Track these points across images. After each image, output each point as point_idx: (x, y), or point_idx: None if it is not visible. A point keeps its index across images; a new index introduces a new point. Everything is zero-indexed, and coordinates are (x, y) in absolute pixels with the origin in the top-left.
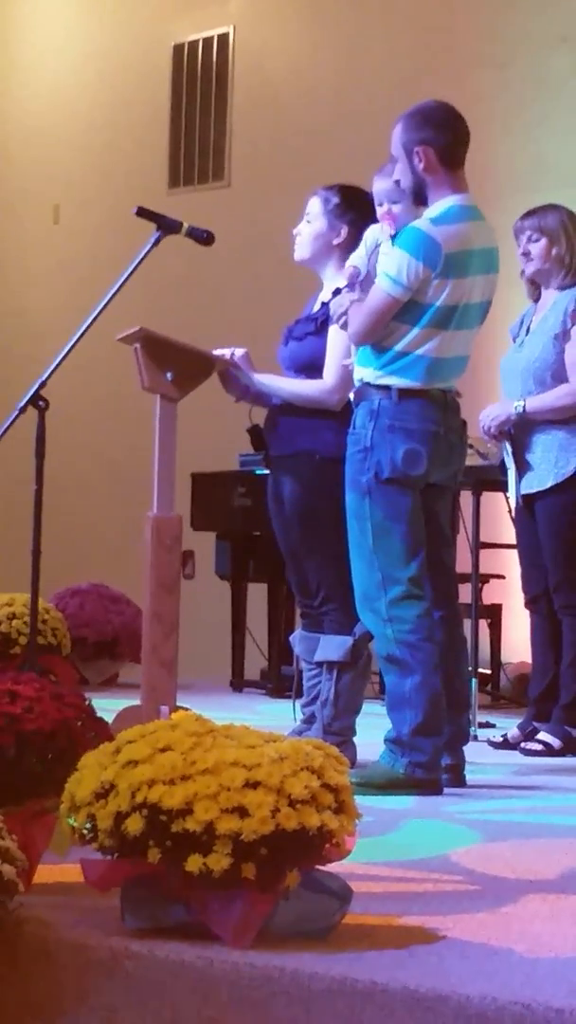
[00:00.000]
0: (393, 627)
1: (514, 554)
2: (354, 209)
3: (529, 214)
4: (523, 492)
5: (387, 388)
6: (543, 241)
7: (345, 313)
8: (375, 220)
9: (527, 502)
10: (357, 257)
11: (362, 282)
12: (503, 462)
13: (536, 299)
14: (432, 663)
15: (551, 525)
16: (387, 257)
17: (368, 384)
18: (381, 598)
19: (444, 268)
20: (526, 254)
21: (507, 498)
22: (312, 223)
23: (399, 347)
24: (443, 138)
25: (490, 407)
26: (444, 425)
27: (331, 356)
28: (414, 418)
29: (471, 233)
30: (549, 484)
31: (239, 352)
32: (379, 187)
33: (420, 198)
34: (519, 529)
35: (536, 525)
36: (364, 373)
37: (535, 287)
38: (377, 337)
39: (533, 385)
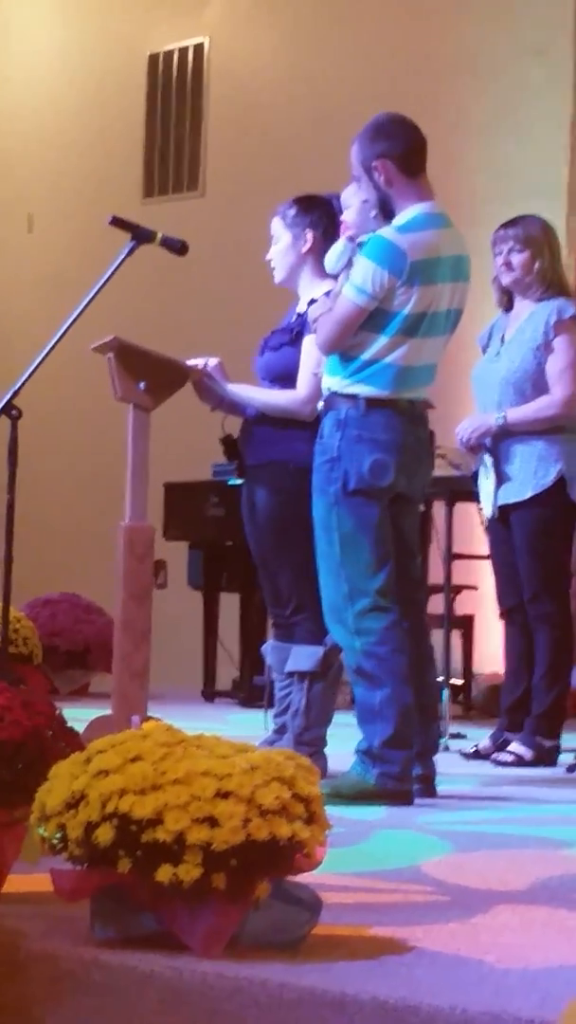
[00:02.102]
0: (361, 639)
1: (486, 565)
2: (312, 212)
3: (510, 224)
4: (500, 503)
5: (354, 397)
6: (526, 253)
7: (316, 321)
8: (336, 221)
9: (503, 513)
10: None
11: (335, 296)
12: (476, 473)
13: (507, 308)
14: (402, 675)
15: (528, 536)
16: (354, 266)
17: (336, 393)
18: (348, 610)
19: (410, 275)
20: (507, 264)
21: (479, 509)
22: (279, 242)
23: (367, 355)
24: (398, 147)
25: (468, 418)
26: (411, 436)
27: (304, 367)
28: (381, 428)
29: (438, 240)
30: (528, 495)
31: (213, 362)
32: (345, 197)
33: (387, 212)
34: (493, 540)
35: (512, 536)
36: (332, 382)
37: (506, 296)
38: (344, 346)
39: (512, 396)
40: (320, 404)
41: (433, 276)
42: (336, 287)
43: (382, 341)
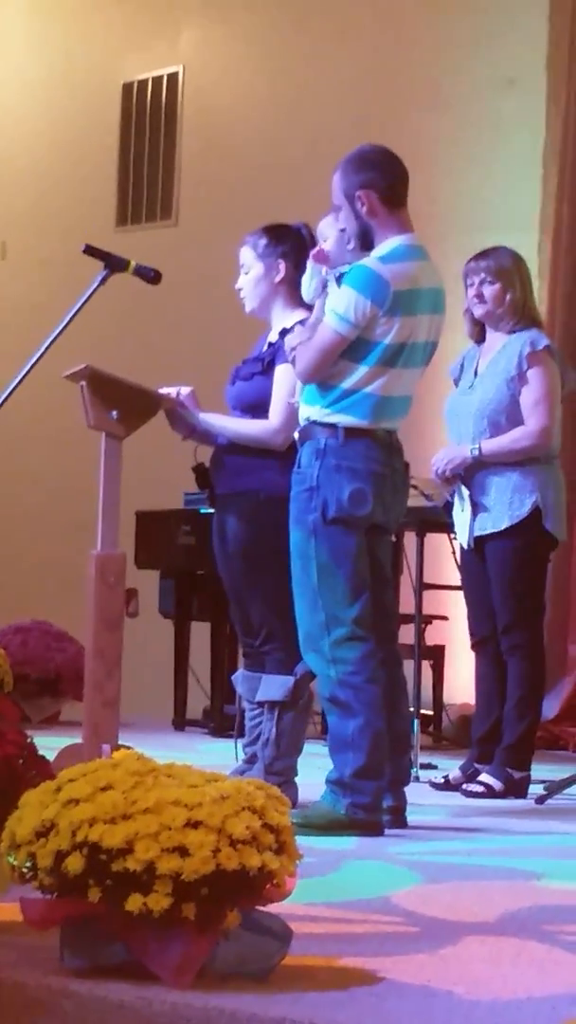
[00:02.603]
0: (336, 668)
1: (457, 595)
2: (283, 242)
3: (482, 256)
4: (476, 534)
5: (333, 427)
6: (497, 285)
7: (294, 350)
8: (306, 249)
9: (477, 544)
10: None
11: (312, 325)
12: (448, 504)
13: (479, 340)
14: (376, 705)
15: (503, 567)
16: (335, 295)
17: (314, 423)
18: (324, 638)
19: (392, 306)
20: (479, 296)
21: (451, 539)
22: (250, 271)
23: (347, 385)
24: (383, 179)
25: (443, 450)
26: (388, 466)
27: (277, 396)
28: (360, 458)
29: (418, 272)
30: (504, 526)
31: (185, 391)
32: (322, 227)
33: (366, 243)
34: (466, 571)
35: (486, 567)
36: (310, 411)
37: (479, 328)
38: (324, 375)
39: (486, 427)
40: (295, 434)
41: (413, 308)
42: (312, 316)
43: (362, 371)
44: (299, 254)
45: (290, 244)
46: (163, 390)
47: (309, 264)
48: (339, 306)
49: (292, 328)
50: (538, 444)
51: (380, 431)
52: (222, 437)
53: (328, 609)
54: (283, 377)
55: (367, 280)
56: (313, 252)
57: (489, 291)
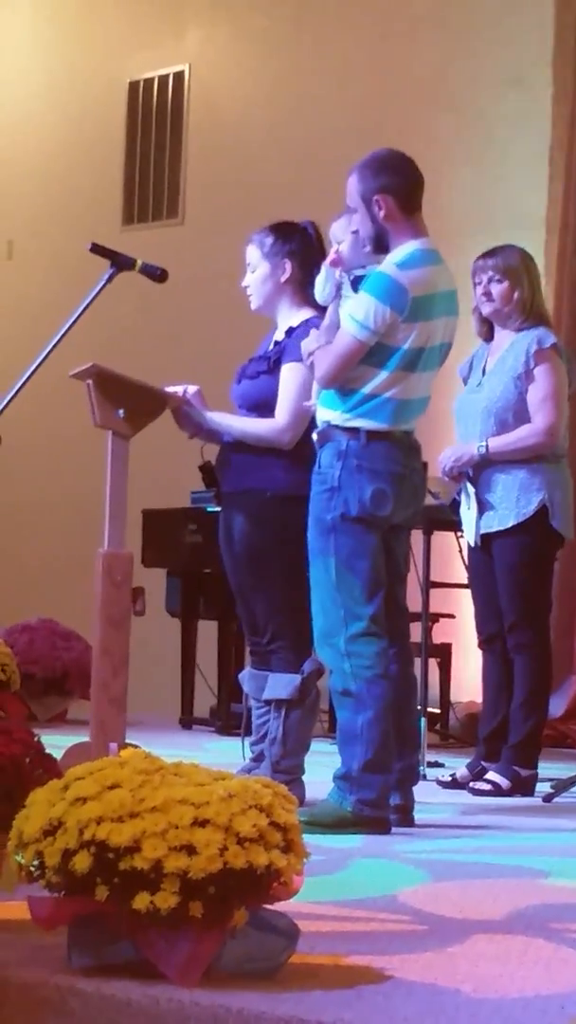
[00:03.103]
0: (351, 662)
1: (464, 593)
2: (291, 242)
3: (490, 254)
4: (483, 531)
5: (355, 430)
6: (505, 284)
7: (312, 355)
8: (313, 248)
9: (484, 542)
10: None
11: (328, 328)
12: (455, 502)
13: (488, 338)
14: (386, 700)
15: (510, 565)
16: (354, 301)
17: (335, 426)
18: (341, 634)
19: (411, 312)
20: (487, 294)
21: (458, 537)
22: (256, 270)
23: (367, 390)
24: (401, 184)
25: (450, 448)
26: (408, 467)
27: (284, 395)
28: (381, 459)
29: (434, 277)
30: (510, 524)
31: (192, 389)
32: (335, 229)
33: (381, 246)
34: (474, 569)
35: (493, 565)
36: (330, 416)
37: (488, 327)
38: (343, 380)
39: (494, 425)
40: (314, 436)
41: (430, 312)
42: (327, 319)
43: (383, 376)
44: (305, 253)
45: (296, 243)
46: (169, 389)
47: (324, 268)
48: (358, 313)
49: (299, 327)
50: (545, 442)
51: (399, 432)
52: (228, 435)
53: (346, 605)
54: (289, 376)
55: (386, 287)
56: (330, 258)
57: (497, 289)
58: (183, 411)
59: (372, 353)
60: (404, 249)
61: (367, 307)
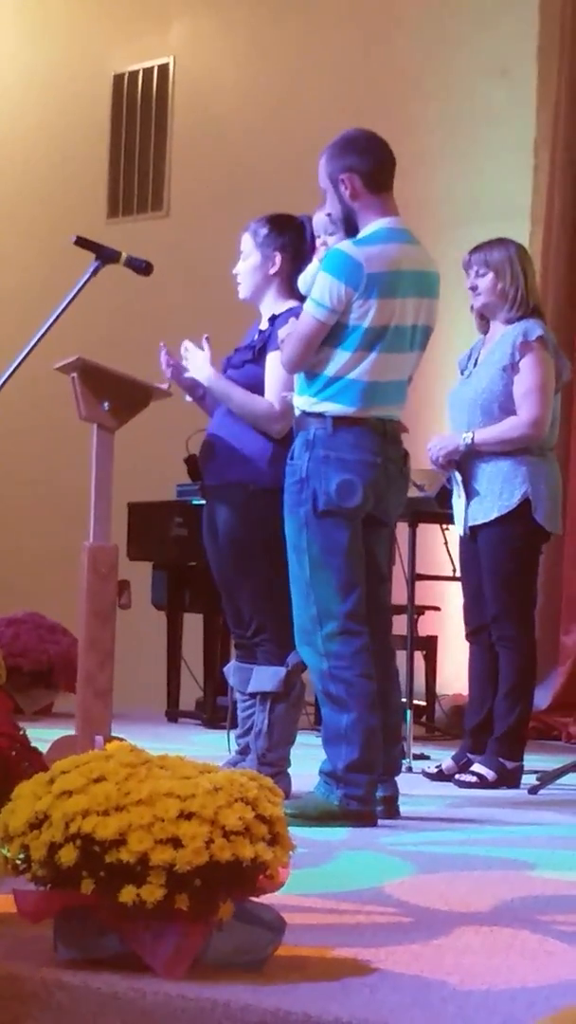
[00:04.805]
0: (329, 663)
1: (449, 586)
2: (284, 235)
3: (477, 248)
4: (470, 523)
5: (321, 416)
6: (489, 276)
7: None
8: (307, 243)
9: (472, 533)
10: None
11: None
12: (444, 491)
13: (485, 332)
14: (369, 698)
15: (493, 557)
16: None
17: (305, 413)
18: (317, 632)
19: (367, 288)
20: (473, 288)
21: (443, 530)
22: (247, 259)
23: (330, 372)
24: (366, 163)
25: (437, 437)
26: (382, 455)
27: (271, 383)
28: (348, 448)
29: (398, 254)
30: (493, 516)
31: (202, 351)
32: (317, 219)
33: (350, 226)
34: (464, 559)
35: (479, 556)
36: (301, 402)
37: (484, 320)
38: (308, 363)
39: (480, 416)
40: (290, 423)
41: (392, 290)
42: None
43: (344, 356)
44: (298, 247)
45: (290, 237)
46: (187, 342)
47: (315, 263)
48: (315, 292)
49: (281, 315)
50: (529, 435)
51: (372, 419)
52: (211, 422)
53: (320, 603)
54: (275, 364)
55: (340, 263)
56: (320, 254)
57: (482, 282)
58: (182, 381)
59: (332, 333)
60: (369, 227)
61: (322, 285)
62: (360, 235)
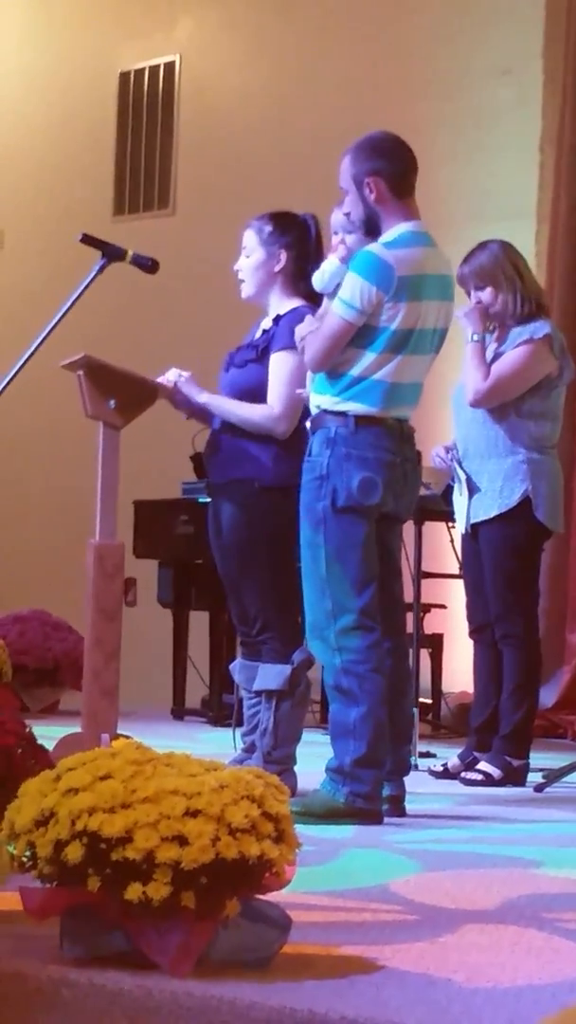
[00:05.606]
0: (342, 657)
1: (455, 584)
2: (288, 233)
3: (465, 261)
4: (471, 521)
5: (344, 415)
6: (487, 288)
7: (304, 339)
8: (311, 241)
9: (473, 531)
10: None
11: (322, 316)
12: (448, 489)
13: (492, 331)
14: (380, 694)
15: (494, 555)
16: (343, 282)
17: (325, 411)
18: (330, 627)
19: (397, 291)
20: (479, 303)
21: (449, 528)
22: (250, 256)
23: (356, 372)
24: (392, 167)
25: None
26: (399, 454)
27: (275, 383)
28: (370, 447)
29: (424, 258)
30: (494, 513)
31: (185, 375)
32: (335, 218)
33: (372, 229)
34: (466, 557)
35: (481, 554)
36: (321, 400)
37: (502, 326)
38: (333, 363)
39: (484, 415)
40: (307, 423)
41: (419, 293)
42: (322, 308)
43: (370, 357)
44: (302, 245)
45: (294, 235)
46: (161, 379)
47: (332, 260)
48: (345, 293)
49: (287, 315)
50: (477, 400)
51: (390, 419)
52: (217, 420)
53: (335, 598)
54: (280, 364)
55: (372, 266)
56: (340, 253)
57: (484, 295)
58: (179, 395)
59: (359, 334)
60: (394, 230)
61: (353, 286)
62: (386, 238)
